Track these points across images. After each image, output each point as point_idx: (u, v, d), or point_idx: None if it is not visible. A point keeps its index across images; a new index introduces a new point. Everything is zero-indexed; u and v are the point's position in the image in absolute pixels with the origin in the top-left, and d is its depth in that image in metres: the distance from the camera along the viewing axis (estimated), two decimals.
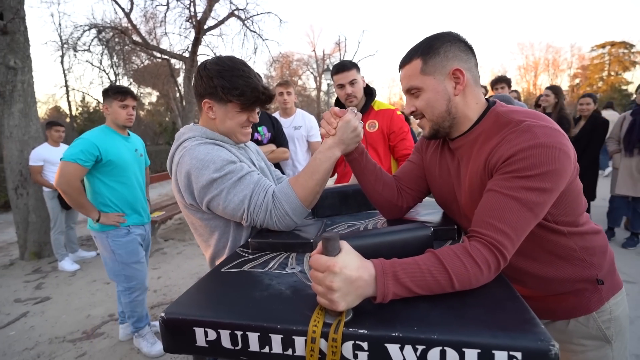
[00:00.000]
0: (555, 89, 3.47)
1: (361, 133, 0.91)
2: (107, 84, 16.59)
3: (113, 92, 1.97)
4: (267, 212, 0.91)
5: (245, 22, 9.77)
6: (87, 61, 12.97)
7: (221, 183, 0.91)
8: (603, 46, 27.21)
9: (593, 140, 3.30)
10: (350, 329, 0.52)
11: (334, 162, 0.91)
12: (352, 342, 0.51)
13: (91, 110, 19.28)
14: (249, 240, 0.90)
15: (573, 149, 0.68)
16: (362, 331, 0.51)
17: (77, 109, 19.51)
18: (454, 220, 0.93)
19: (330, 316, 0.55)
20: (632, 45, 26.13)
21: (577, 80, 29.34)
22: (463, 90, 0.76)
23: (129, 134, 2.13)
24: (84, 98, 19.24)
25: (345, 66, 1.87)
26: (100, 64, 13.30)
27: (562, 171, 0.64)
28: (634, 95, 3.52)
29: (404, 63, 0.82)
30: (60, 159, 1.83)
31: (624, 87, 26.23)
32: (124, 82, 16.16)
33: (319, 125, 0.99)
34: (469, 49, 0.78)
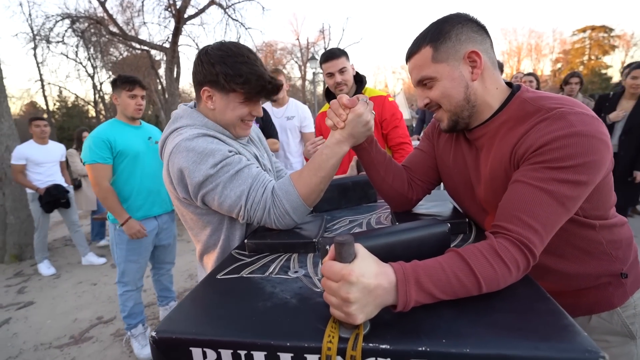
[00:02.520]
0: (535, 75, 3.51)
1: (373, 125, 0.83)
2: (84, 78, 15.94)
3: (121, 82, 1.92)
4: (266, 210, 0.84)
5: (227, 10, 9.43)
6: (62, 53, 12.30)
7: (217, 177, 0.83)
8: (584, 30, 27.66)
9: None
10: (370, 344, 0.46)
11: (341, 157, 0.83)
12: (373, 359, 0.45)
13: (70, 105, 18.53)
14: (245, 241, 0.83)
15: None
16: (383, 346, 0.45)
17: (54, 104, 18.72)
18: (467, 213, 0.88)
19: (345, 329, 0.49)
20: (611, 29, 26.64)
21: (559, 65, 29.84)
22: (481, 74, 0.70)
23: (140, 124, 2.06)
24: (61, 92, 18.44)
25: (334, 54, 1.81)
26: (76, 56, 12.66)
27: (600, 163, 0.58)
28: (614, 79, 3.53)
29: (412, 53, 0.74)
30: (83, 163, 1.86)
31: (603, 71, 26.81)
32: (103, 74, 15.53)
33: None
34: (482, 29, 0.71)
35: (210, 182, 0.83)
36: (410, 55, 0.75)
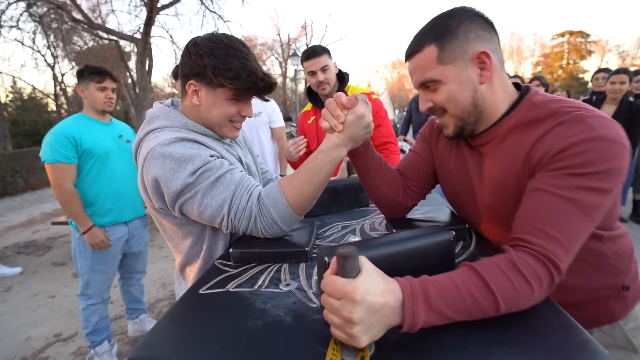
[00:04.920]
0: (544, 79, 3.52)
1: (373, 128, 0.79)
2: (43, 68, 15.13)
3: (89, 73, 1.79)
4: (251, 219, 0.79)
5: (204, 1, 9.25)
6: (16, 40, 11.61)
7: (196, 184, 0.77)
8: (562, 35, 29.13)
9: None
10: None
11: (337, 163, 0.79)
12: None
13: (25, 98, 17.55)
14: (230, 250, 0.78)
15: None
16: None
17: (6, 96, 17.64)
18: (467, 219, 0.86)
19: (348, 352, 0.46)
20: (588, 35, 28.17)
21: (539, 68, 31.23)
22: (490, 76, 0.67)
23: (110, 120, 1.95)
24: (15, 83, 17.40)
25: (316, 51, 1.79)
26: (34, 43, 11.97)
27: (623, 170, 0.56)
28: (590, 84, 3.74)
29: (413, 51, 0.70)
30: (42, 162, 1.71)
31: (580, 76, 28.36)
32: (65, 65, 14.80)
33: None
34: (490, 25, 0.68)
35: (188, 191, 0.77)
36: (411, 54, 0.71)
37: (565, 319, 0.50)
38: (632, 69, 3.55)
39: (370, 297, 0.43)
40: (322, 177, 0.79)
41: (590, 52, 28.87)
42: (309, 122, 1.99)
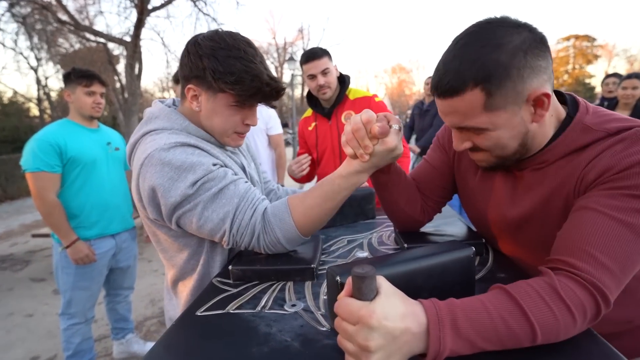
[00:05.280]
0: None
1: (401, 153, 0.73)
2: (26, 71, 15.14)
3: (76, 77, 1.78)
4: (254, 236, 0.77)
5: (197, 3, 9.33)
6: None
7: (196, 195, 0.75)
8: (568, 39, 29.68)
9: None
10: None
11: (355, 188, 0.76)
12: None
13: (6, 102, 17.45)
14: (230, 267, 0.76)
15: None
16: None
17: None
18: (487, 236, 0.84)
19: None
20: (594, 39, 28.72)
21: None
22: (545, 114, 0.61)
23: (98, 126, 1.93)
24: None
25: (316, 54, 1.78)
26: (16, 44, 12.00)
27: None
28: (597, 88, 3.78)
29: (448, 93, 0.59)
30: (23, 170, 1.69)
31: (587, 81, 28.81)
32: (49, 68, 14.80)
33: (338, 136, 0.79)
34: (545, 44, 0.58)
35: (188, 202, 0.75)
36: (444, 93, 0.60)
37: (604, 346, 0.48)
38: None
39: (388, 322, 0.41)
40: (336, 203, 0.76)
41: (596, 57, 29.41)
42: (310, 128, 1.97)
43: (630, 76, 3.06)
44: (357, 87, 1.98)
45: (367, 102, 1.86)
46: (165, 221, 0.79)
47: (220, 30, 0.82)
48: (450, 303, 0.46)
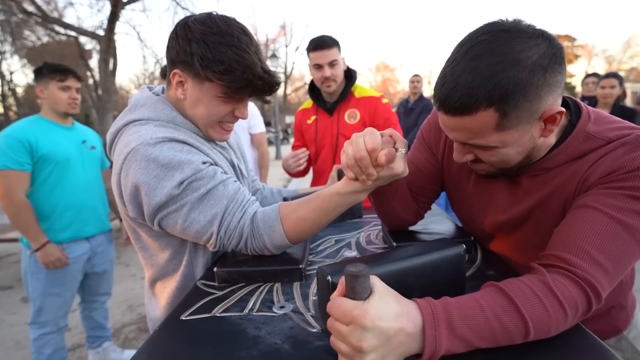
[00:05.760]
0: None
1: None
2: None
3: (49, 71, 1.71)
4: (242, 240, 0.76)
5: None
6: None
7: (183, 195, 0.72)
8: None
9: None
10: None
11: (352, 205, 0.74)
12: None
13: None
14: (215, 269, 0.74)
15: None
16: None
17: None
18: (478, 235, 0.85)
19: None
20: (574, 39, 29.77)
21: None
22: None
23: (72, 124, 1.86)
24: None
25: (325, 43, 1.67)
26: None
27: None
28: (577, 88, 3.90)
29: (458, 110, 0.55)
30: None
31: (567, 80, 29.85)
32: (14, 62, 14.22)
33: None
34: (562, 55, 0.56)
35: (174, 202, 0.72)
36: (453, 110, 0.56)
37: (591, 339, 0.50)
38: (621, 73, 3.75)
39: (382, 322, 0.41)
40: (330, 218, 0.75)
41: (576, 57, 30.49)
42: (309, 122, 1.87)
43: (608, 76, 3.19)
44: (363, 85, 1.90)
45: (374, 103, 1.77)
46: (147, 221, 0.76)
47: (214, 13, 0.77)
48: (445, 302, 0.47)
